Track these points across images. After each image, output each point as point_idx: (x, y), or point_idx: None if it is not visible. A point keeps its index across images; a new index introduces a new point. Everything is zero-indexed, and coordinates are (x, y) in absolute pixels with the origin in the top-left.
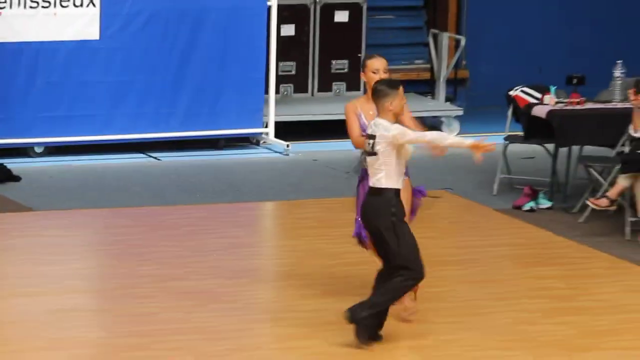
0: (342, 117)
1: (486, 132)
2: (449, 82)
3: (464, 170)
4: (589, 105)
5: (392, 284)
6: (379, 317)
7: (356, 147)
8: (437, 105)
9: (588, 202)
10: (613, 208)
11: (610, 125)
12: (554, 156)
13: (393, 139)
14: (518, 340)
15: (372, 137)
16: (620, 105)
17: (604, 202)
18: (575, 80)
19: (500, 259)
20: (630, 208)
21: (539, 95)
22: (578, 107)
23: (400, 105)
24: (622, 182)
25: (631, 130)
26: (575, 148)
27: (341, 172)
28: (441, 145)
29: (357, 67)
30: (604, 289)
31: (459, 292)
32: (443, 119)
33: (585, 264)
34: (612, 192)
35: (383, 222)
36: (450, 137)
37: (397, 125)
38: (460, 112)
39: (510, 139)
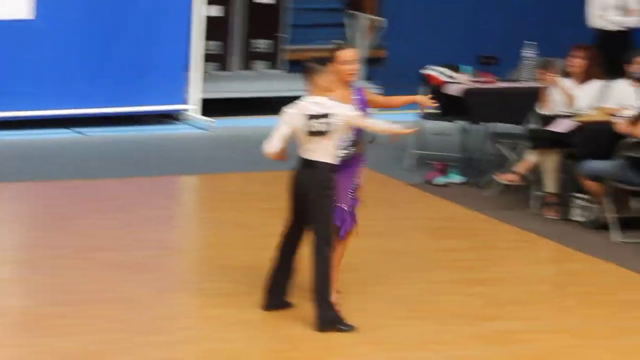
0: (264, 94)
1: (402, 109)
2: (367, 61)
3: (379, 145)
4: (499, 84)
5: (319, 268)
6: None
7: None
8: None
9: (497, 177)
10: (521, 183)
11: (519, 103)
12: (466, 133)
13: (351, 120)
14: (425, 310)
15: (323, 115)
16: (528, 84)
17: (512, 176)
18: (486, 60)
19: (412, 232)
20: (537, 183)
21: (452, 73)
22: (489, 85)
23: (329, 80)
24: (530, 157)
25: (539, 108)
26: (486, 125)
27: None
28: (377, 129)
29: (277, 46)
30: (511, 261)
31: (369, 263)
32: None
33: (493, 236)
34: (521, 168)
35: (320, 193)
36: (383, 124)
37: (352, 107)
38: (378, 91)
39: (425, 116)
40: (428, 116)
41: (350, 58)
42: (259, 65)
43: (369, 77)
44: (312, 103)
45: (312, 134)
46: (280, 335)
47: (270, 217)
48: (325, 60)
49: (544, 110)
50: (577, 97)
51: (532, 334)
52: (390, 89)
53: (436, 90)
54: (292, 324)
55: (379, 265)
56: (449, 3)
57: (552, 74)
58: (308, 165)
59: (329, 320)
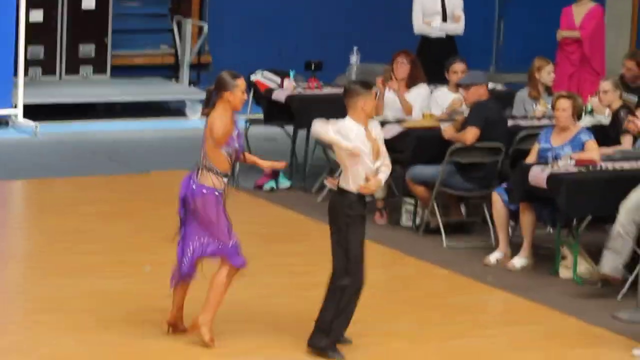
0: (90, 99)
1: None
2: (192, 66)
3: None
4: (327, 90)
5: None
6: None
7: None
8: (182, 89)
9: (326, 182)
10: None
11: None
12: (294, 138)
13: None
14: (258, 314)
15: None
16: None
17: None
18: (313, 66)
19: (240, 237)
20: None
21: (278, 79)
22: (316, 91)
23: (373, 106)
24: None
25: None
26: None
27: (88, 152)
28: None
29: (103, 52)
30: None
31: (199, 269)
32: (187, 102)
33: (322, 241)
34: None
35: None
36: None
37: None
38: (204, 96)
39: (252, 122)
40: (255, 122)
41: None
42: (84, 70)
43: (194, 82)
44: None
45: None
46: (109, 339)
47: (96, 221)
48: (370, 84)
49: (376, 115)
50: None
51: (363, 337)
52: None
53: (264, 96)
54: (131, 329)
55: (209, 270)
56: (276, 8)
57: (384, 81)
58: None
59: (323, 348)
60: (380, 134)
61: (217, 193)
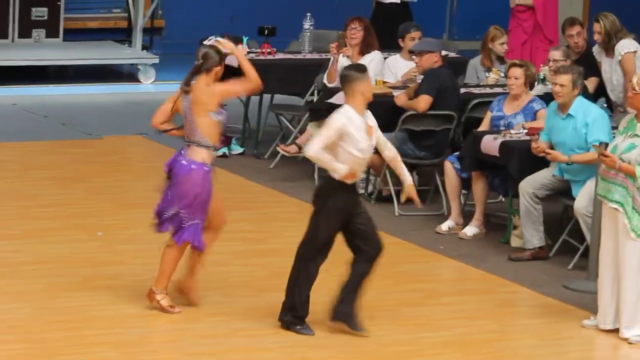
0: (42, 62)
1: (181, 79)
2: (145, 30)
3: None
4: (280, 56)
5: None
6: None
7: None
8: (134, 53)
9: (278, 149)
10: (302, 154)
11: (299, 75)
12: (246, 104)
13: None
14: (209, 281)
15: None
16: (309, 56)
17: (293, 148)
18: (266, 31)
19: None
20: None
21: (232, 44)
22: (269, 57)
23: (371, 90)
24: (312, 129)
25: (325, 81)
26: (266, 96)
27: (41, 116)
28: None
29: (56, 15)
30: (292, 233)
31: (149, 234)
32: (140, 66)
33: (275, 208)
34: (302, 139)
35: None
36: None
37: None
38: (156, 60)
39: None
40: None
41: None
42: (37, 33)
43: (146, 47)
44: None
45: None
46: (61, 305)
47: (47, 186)
48: (364, 67)
49: (330, 82)
50: None
51: (314, 305)
52: (167, 59)
53: None
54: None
55: (160, 237)
56: None
57: (338, 46)
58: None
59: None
60: (375, 124)
61: (206, 168)
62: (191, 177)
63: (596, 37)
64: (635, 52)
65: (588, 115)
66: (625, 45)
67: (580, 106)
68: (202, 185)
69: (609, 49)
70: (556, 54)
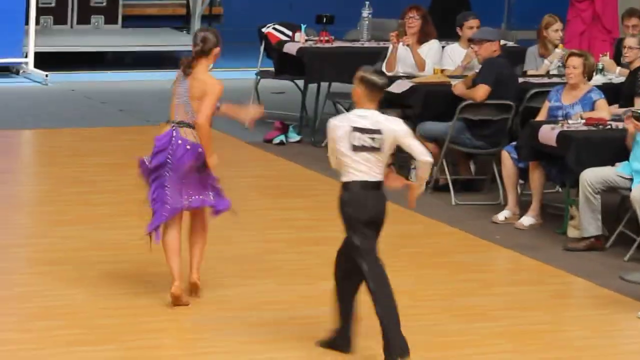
0: (100, 49)
1: (239, 67)
2: (203, 18)
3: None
4: (338, 44)
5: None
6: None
7: None
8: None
9: None
10: None
11: (357, 63)
12: (304, 92)
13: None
14: (263, 270)
15: (377, 132)
16: (367, 44)
17: None
18: (324, 19)
19: (248, 190)
20: None
21: (289, 32)
22: (327, 45)
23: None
24: None
25: (384, 69)
26: (324, 84)
27: (98, 102)
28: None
29: (115, 1)
30: None
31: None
32: None
33: (330, 196)
34: None
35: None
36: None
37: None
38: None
39: (262, 75)
40: (266, 74)
41: None
42: (95, 19)
43: None
44: (359, 116)
45: (355, 149)
46: (119, 293)
47: (104, 172)
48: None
49: (388, 71)
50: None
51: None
52: (225, 46)
53: (275, 48)
54: (138, 282)
55: (216, 223)
56: None
57: (398, 35)
58: (373, 186)
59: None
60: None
61: (200, 150)
62: (199, 156)
63: None
64: None
65: None
66: None
67: None
68: (195, 163)
69: None
70: (631, 41)
